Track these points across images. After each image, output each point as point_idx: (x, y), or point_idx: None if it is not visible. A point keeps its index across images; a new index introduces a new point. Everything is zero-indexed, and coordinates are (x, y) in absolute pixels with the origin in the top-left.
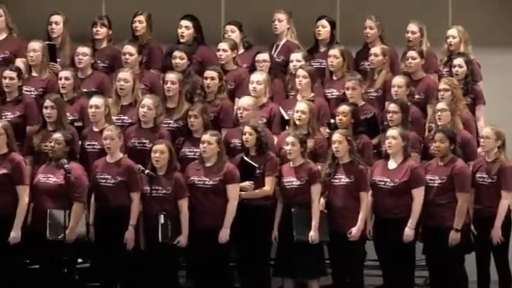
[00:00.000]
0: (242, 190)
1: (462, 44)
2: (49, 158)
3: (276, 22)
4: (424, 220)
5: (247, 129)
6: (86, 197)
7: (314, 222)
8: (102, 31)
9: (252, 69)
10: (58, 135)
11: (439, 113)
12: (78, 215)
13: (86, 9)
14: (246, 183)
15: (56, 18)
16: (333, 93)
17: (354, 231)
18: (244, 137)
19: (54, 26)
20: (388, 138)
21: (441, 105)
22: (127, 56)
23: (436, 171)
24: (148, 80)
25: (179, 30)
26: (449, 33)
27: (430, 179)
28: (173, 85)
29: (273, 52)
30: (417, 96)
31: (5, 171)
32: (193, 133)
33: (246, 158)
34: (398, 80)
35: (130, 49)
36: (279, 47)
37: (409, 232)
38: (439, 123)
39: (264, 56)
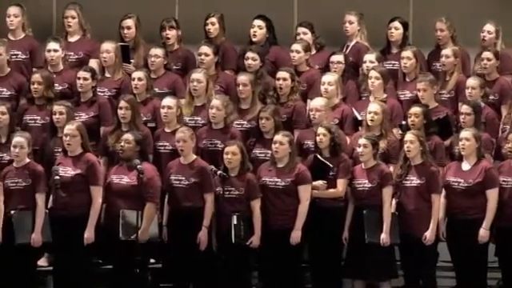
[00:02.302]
0: (314, 188)
1: None
2: (120, 158)
3: (347, 24)
4: (497, 221)
5: (321, 130)
6: (158, 197)
7: (386, 224)
8: (171, 34)
9: (325, 70)
10: (128, 135)
11: None
12: (150, 216)
13: (160, 10)
14: (319, 182)
15: (128, 22)
16: (406, 94)
17: (428, 235)
18: (318, 138)
19: (126, 30)
20: (461, 139)
21: None
22: (203, 56)
23: (510, 172)
24: (223, 81)
25: (251, 30)
26: None
27: (504, 180)
28: (245, 86)
29: None
30: (491, 97)
31: (79, 172)
32: (264, 134)
33: (320, 157)
34: (473, 81)
35: (205, 49)
36: (349, 48)
37: (484, 233)
38: None
39: (339, 57)
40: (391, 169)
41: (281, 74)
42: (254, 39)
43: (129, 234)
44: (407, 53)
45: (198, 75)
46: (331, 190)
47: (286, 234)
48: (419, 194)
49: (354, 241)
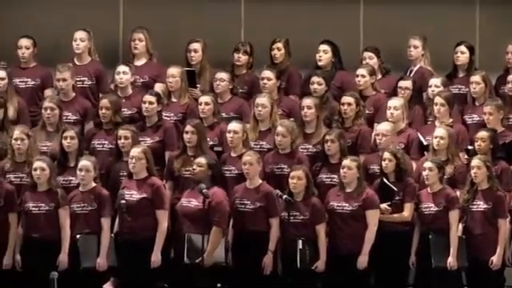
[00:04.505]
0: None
1: None
2: (191, 181)
3: (411, 48)
4: None
5: (387, 155)
6: (225, 222)
7: (453, 248)
8: (243, 58)
9: (391, 94)
10: (201, 159)
11: None
12: (216, 240)
13: (226, 35)
14: (384, 205)
15: (195, 45)
16: (473, 118)
17: (495, 259)
18: (383, 163)
19: (192, 53)
20: None
21: None
22: (265, 81)
23: None
24: (286, 105)
25: (317, 55)
26: None
27: None
28: (309, 110)
29: None
30: None
31: (145, 195)
32: (329, 158)
33: (386, 181)
34: None
35: (268, 74)
36: (413, 72)
37: None
38: None
39: (407, 83)
40: (457, 193)
41: (345, 98)
42: (319, 64)
43: (194, 258)
44: (476, 77)
45: (262, 100)
46: (397, 215)
47: (352, 259)
48: (486, 218)
49: (422, 265)
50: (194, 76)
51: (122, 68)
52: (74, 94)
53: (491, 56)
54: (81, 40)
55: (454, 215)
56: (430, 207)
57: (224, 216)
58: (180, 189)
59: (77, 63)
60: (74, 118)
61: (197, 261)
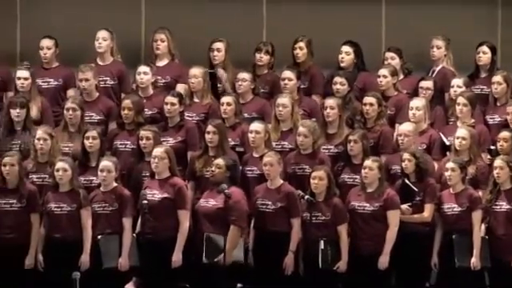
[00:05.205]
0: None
1: None
2: (210, 182)
3: (434, 49)
4: None
5: (406, 155)
6: (244, 222)
7: (476, 248)
8: (264, 58)
9: (413, 95)
10: (219, 160)
11: None
12: (233, 239)
13: (248, 35)
14: (404, 206)
15: (218, 44)
16: (495, 118)
17: None
18: (403, 163)
19: (215, 53)
20: None
21: None
22: (286, 81)
23: None
24: (307, 106)
25: (339, 56)
26: None
27: None
28: (332, 110)
29: None
30: None
31: (166, 195)
32: (352, 158)
33: (407, 182)
34: None
35: (289, 74)
36: (435, 73)
37: None
38: None
39: (428, 84)
40: (480, 194)
41: (367, 99)
42: (341, 65)
43: (212, 258)
44: (498, 77)
45: (283, 100)
46: (418, 215)
47: (373, 259)
48: (509, 219)
49: (444, 266)
50: (215, 78)
51: (142, 68)
52: (97, 94)
53: None
54: (103, 39)
55: (476, 215)
56: (452, 208)
57: (242, 215)
58: (201, 189)
59: (99, 63)
60: (98, 117)
61: (215, 260)
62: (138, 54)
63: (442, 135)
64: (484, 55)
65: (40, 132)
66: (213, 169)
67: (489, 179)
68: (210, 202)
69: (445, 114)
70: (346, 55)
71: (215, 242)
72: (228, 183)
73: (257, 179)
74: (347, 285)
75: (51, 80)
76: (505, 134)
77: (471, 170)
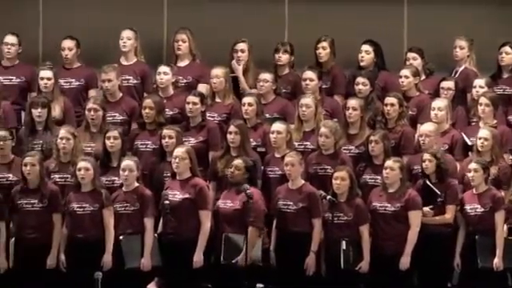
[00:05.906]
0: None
1: None
2: (229, 183)
3: (457, 49)
4: None
5: (426, 156)
6: (261, 222)
7: (499, 249)
8: (284, 57)
9: (434, 95)
10: (238, 161)
11: None
12: (251, 240)
13: (270, 35)
14: (426, 209)
15: (242, 45)
16: None
17: None
18: (424, 164)
19: (240, 53)
20: None
21: None
22: (308, 82)
23: None
24: (329, 106)
25: (359, 55)
26: None
27: None
28: (354, 111)
29: None
30: None
31: (188, 196)
32: (373, 159)
33: (428, 183)
34: None
35: (310, 75)
36: (457, 73)
37: None
38: None
39: (449, 84)
40: (502, 194)
41: (389, 99)
42: (361, 64)
43: (230, 258)
44: None
45: (306, 100)
46: (440, 217)
47: (395, 260)
48: None
49: (467, 267)
50: (236, 82)
51: (162, 68)
52: (120, 95)
53: None
54: (128, 38)
55: (499, 216)
56: (475, 208)
57: (259, 216)
58: (223, 189)
59: (123, 63)
60: (121, 118)
61: (233, 261)
62: (160, 54)
63: (464, 135)
64: (507, 55)
65: (63, 131)
66: (231, 170)
67: (511, 179)
68: (228, 203)
69: (467, 115)
70: (366, 54)
71: (234, 243)
72: (247, 184)
73: (278, 179)
74: (369, 285)
75: (73, 80)
76: None
77: (493, 170)
